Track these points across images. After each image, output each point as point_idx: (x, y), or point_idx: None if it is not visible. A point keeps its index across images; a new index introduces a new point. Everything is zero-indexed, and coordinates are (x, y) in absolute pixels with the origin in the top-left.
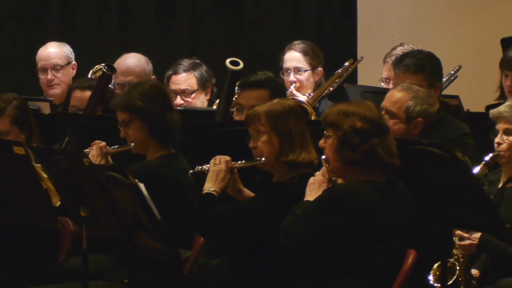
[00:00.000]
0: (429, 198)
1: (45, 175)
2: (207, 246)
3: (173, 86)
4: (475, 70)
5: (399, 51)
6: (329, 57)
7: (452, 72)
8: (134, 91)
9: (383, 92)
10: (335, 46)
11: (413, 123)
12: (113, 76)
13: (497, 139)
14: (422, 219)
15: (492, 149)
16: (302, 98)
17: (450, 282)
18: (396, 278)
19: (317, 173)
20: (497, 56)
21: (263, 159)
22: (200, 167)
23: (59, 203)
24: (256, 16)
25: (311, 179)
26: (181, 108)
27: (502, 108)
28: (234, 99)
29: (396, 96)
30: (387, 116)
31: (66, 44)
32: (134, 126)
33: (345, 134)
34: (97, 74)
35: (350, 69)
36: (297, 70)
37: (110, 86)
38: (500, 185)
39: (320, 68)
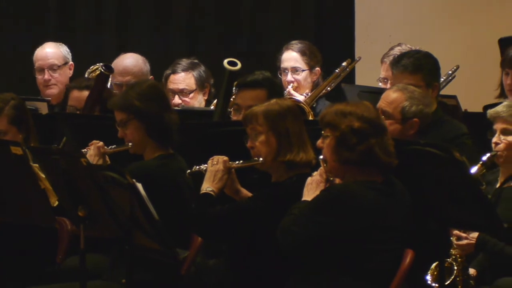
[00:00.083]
0: (426, 198)
1: (42, 175)
2: (204, 246)
3: (171, 86)
4: (473, 70)
5: (396, 51)
6: (326, 57)
7: (450, 72)
8: (132, 91)
9: (380, 92)
10: (332, 46)
11: (409, 124)
12: (110, 76)
13: (494, 139)
14: (419, 219)
15: (489, 149)
16: (300, 97)
17: (448, 282)
18: (394, 278)
19: (315, 173)
20: (495, 56)
21: (261, 159)
22: (197, 167)
23: (56, 203)
24: (254, 17)
25: (309, 179)
26: (179, 108)
27: (499, 108)
28: (231, 99)
29: (392, 96)
30: (383, 116)
31: (63, 45)
32: (132, 126)
33: (343, 134)
34: (93, 75)
35: (347, 69)
36: (295, 70)
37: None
38: (497, 185)
39: (317, 68)
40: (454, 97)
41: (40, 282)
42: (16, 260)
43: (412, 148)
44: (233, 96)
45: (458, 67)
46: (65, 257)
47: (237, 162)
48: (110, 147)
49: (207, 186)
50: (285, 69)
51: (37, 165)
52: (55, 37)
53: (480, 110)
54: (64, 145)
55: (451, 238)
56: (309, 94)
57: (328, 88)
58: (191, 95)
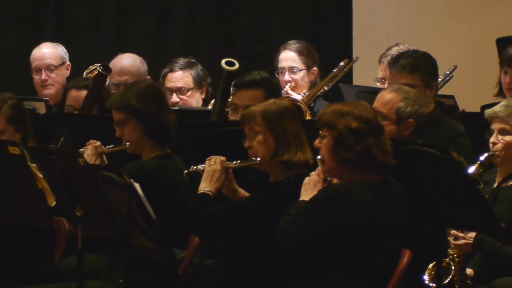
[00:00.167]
0: (424, 198)
1: (40, 175)
2: (202, 246)
3: (169, 84)
4: (471, 70)
5: (394, 51)
6: (324, 57)
7: (448, 72)
8: (129, 91)
9: (378, 92)
10: (330, 46)
11: (404, 124)
12: (108, 76)
13: (492, 139)
14: (417, 219)
15: (487, 149)
16: (297, 97)
17: (445, 282)
18: (391, 278)
19: (313, 173)
20: (493, 56)
21: (258, 159)
22: (195, 167)
23: (54, 203)
24: (252, 17)
25: (306, 179)
26: (177, 108)
27: (497, 108)
28: (229, 99)
29: (387, 97)
30: None
31: (60, 45)
32: (129, 125)
33: (340, 134)
34: (91, 75)
35: (345, 69)
36: (292, 69)
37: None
38: (495, 185)
39: (315, 68)
40: (451, 97)
41: (37, 282)
42: (14, 259)
43: (409, 148)
44: (231, 96)
45: (455, 67)
46: (63, 257)
47: (234, 162)
48: (107, 146)
49: (204, 186)
50: (283, 68)
51: (34, 165)
52: (54, 37)
53: (477, 110)
54: (61, 145)
55: (449, 238)
56: (307, 93)
57: (326, 88)
58: (189, 93)
